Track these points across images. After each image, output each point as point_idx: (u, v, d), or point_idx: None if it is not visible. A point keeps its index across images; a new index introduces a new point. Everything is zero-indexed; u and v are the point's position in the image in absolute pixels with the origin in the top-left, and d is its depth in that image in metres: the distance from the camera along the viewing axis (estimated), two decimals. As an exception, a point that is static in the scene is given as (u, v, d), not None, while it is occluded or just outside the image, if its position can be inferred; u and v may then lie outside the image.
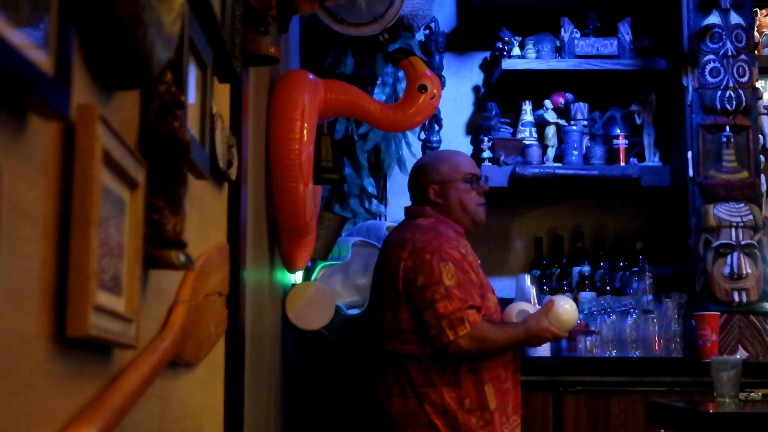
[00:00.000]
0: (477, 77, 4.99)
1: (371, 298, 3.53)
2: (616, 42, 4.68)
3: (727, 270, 4.14)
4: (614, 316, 4.23)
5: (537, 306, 3.67)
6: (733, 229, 4.18)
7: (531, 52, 4.71)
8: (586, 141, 4.73)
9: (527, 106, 4.77)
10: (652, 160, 4.68)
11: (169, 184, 1.24)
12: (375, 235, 4.17)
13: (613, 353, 4.18)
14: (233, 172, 2.00)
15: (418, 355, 3.24)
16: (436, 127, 4.75)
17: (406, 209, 3.54)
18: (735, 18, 4.33)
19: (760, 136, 4.47)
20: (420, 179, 3.49)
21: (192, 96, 1.54)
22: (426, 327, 3.19)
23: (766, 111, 4.69)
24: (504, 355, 3.28)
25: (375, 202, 4.69)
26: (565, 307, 3.32)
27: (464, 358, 3.19)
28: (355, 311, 4.01)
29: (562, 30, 4.71)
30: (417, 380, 3.24)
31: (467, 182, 3.42)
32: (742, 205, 4.22)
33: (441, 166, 3.47)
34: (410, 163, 4.70)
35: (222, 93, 2.01)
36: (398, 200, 4.71)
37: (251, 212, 2.42)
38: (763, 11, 4.80)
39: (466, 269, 3.23)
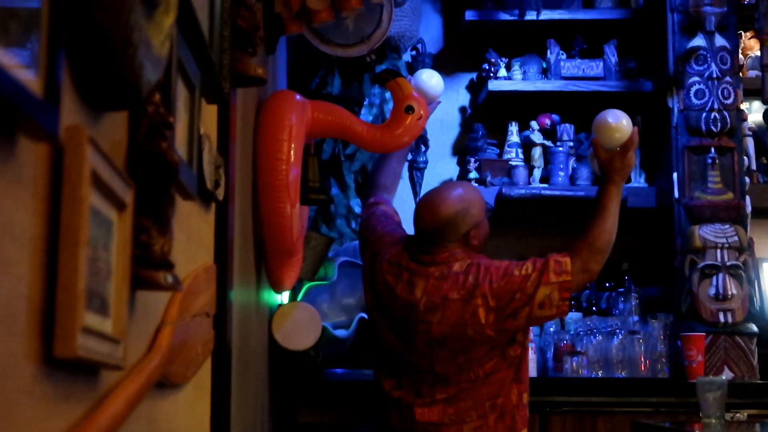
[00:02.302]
0: (464, 98, 5.00)
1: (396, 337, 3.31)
2: (602, 64, 4.71)
3: (712, 291, 4.15)
4: (600, 337, 4.23)
5: None
6: (718, 250, 4.20)
7: (517, 73, 4.73)
8: (572, 162, 4.74)
9: (513, 127, 4.79)
10: (638, 181, 4.70)
11: (157, 205, 1.24)
12: None
13: (600, 374, 4.18)
14: (221, 193, 2.00)
15: (514, 357, 3.20)
16: (423, 148, 4.76)
17: (431, 256, 3.23)
18: (720, 40, 4.36)
19: (745, 157, 4.50)
20: (458, 228, 3.22)
21: (180, 117, 1.54)
22: (542, 306, 3.09)
23: (750, 133, 4.72)
24: None
25: (361, 222, 4.69)
26: (610, 123, 3.18)
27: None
28: (342, 332, 4.00)
29: (549, 52, 4.74)
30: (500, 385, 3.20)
31: (487, 217, 3.32)
32: (728, 226, 4.24)
33: (472, 209, 3.24)
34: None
35: (210, 113, 2.01)
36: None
37: (238, 232, 2.42)
38: (748, 34, 4.83)
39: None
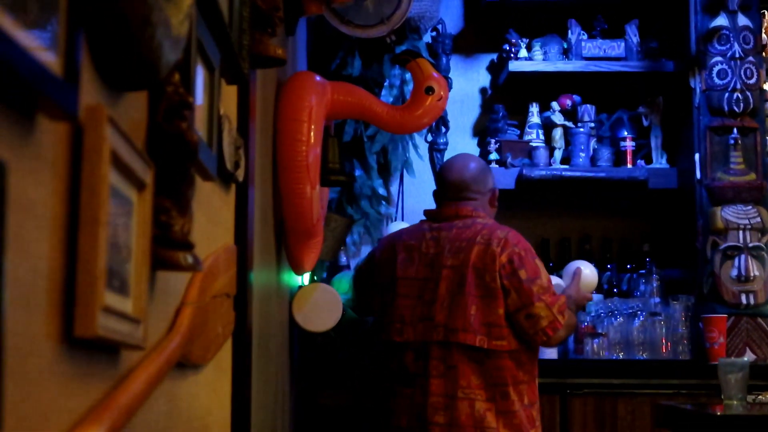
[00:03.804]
0: (484, 79, 4.99)
1: (418, 292, 3.38)
2: (623, 44, 4.68)
3: (734, 272, 4.13)
4: (621, 319, 4.22)
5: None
6: (740, 232, 4.18)
7: (538, 53, 4.71)
8: (593, 143, 4.73)
9: (534, 108, 4.77)
10: (659, 162, 4.68)
11: (177, 186, 1.24)
12: None
13: (621, 355, 4.17)
14: (240, 174, 2.01)
15: (514, 350, 3.24)
16: (443, 129, 4.75)
17: (455, 208, 3.43)
18: (742, 20, 4.32)
19: (768, 138, 4.46)
20: (485, 181, 3.51)
21: (200, 97, 1.54)
22: (531, 320, 3.21)
23: (773, 113, 4.69)
24: None
25: (384, 203, 4.70)
26: (586, 272, 3.55)
27: (555, 345, 3.53)
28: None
29: (570, 32, 4.71)
30: (512, 376, 3.24)
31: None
32: (750, 207, 4.21)
33: (492, 177, 3.56)
34: (417, 165, 4.72)
35: (229, 94, 2.01)
36: (412, 201, 4.74)
37: (258, 214, 2.42)
38: (771, 13, 4.79)
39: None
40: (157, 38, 1.06)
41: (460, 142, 4.86)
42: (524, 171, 4.53)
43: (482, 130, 4.89)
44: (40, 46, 0.81)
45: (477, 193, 3.46)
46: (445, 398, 3.23)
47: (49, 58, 0.84)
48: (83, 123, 0.96)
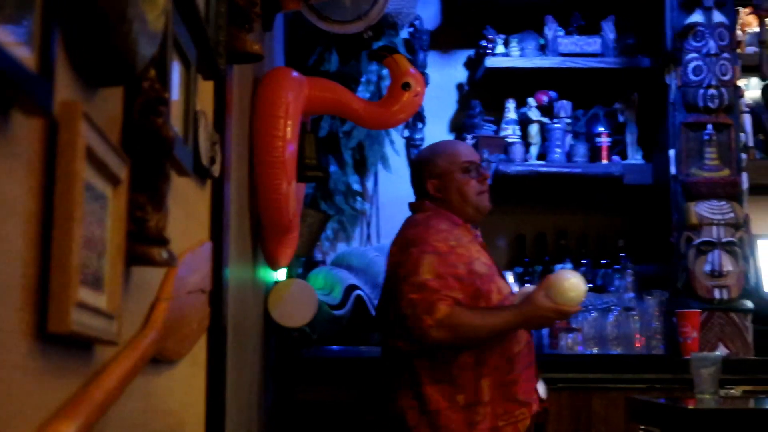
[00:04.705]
0: (461, 75, 5.00)
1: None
2: (599, 40, 4.70)
3: (708, 267, 4.16)
4: (596, 314, 4.24)
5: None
6: (714, 227, 4.20)
7: (515, 50, 4.72)
8: (569, 139, 4.74)
9: (511, 104, 4.78)
10: (635, 158, 4.70)
11: (153, 181, 1.24)
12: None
13: (595, 350, 4.19)
14: (216, 169, 2.00)
15: (410, 351, 3.18)
16: (420, 125, 4.76)
17: (409, 205, 3.45)
18: (718, 16, 4.34)
19: (742, 134, 4.49)
20: (419, 175, 3.41)
21: (176, 93, 1.54)
22: (404, 319, 3.08)
23: (748, 109, 4.72)
24: (506, 345, 3.16)
25: (359, 199, 4.70)
26: (571, 279, 3.07)
27: (443, 347, 3.10)
28: (338, 312, 4.02)
29: (546, 28, 4.73)
30: (408, 379, 3.19)
31: (465, 171, 3.34)
32: (724, 202, 4.24)
33: (438, 159, 3.38)
34: (394, 160, 4.72)
35: (206, 90, 2.01)
36: (388, 197, 4.75)
37: (234, 209, 2.42)
38: (746, 10, 4.82)
39: (452, 262, 3.13)
40: (133, 34, 1.06)
41: (437, 137, 4.85)
42: (500, 167, 4.54)
43: (459, 126, 4.90)
44: (14, 42, 0.81)
45: (417, 186, 3.44)
46: (382, 396, 3.30)
47: (24, 54, 0.84)
48: (58, 118, 0.96)
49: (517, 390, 3.17)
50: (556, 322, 3.21)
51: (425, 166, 3.40)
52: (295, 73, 3.07)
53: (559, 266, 4.55)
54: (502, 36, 4.75)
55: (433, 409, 3.13)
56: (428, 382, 3.15)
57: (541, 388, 3.25)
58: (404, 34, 4.74)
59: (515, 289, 3.75)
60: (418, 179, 3.43)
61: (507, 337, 3.16)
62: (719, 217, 4.21)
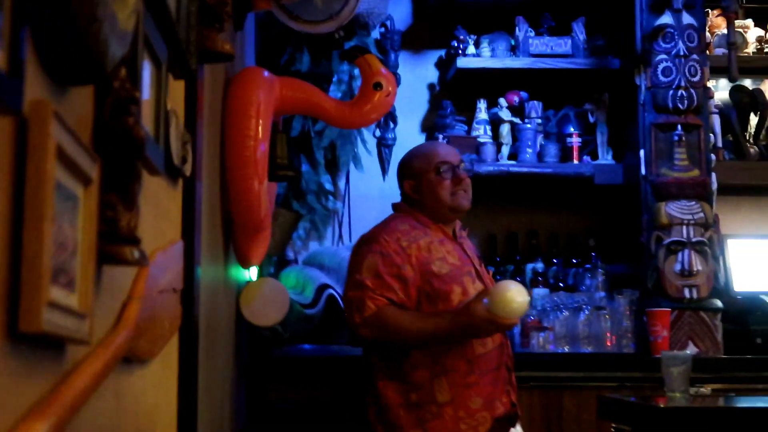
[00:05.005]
0: (432, 75, 5.01)
1: None
2: (570, 41, 4.73)
3: (678, 267, 4.19)
4: (567, 313, 4.26)
5: None
6: (684, 227, 4.23)
7: (486, 50, 4.74)
8: (540, 139, 4.76)
9: (482, 104, 4.80)
10: (605, 158, 4.73)
11: (124, 181, 1.24)
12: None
13: (566, 349, 4.22)
14: (188, 169, 2.00)
15: (368, 347, 3.26)
16: (392, 125, 4.77)
17: (392, 205, 3.50)
18: (687, 18, 4.38)
19: (711, 135, 4.52)
20: (399, 175, 3.45)
21: (146, 92, 1.54)
22: (345, 315, 3.23)
23: (717, 110, 4.75)
24: (468, 347, 3.14)
25: (331, 198, 4.70)
26: (512, 289, 2.90)
27: (370, 344, 3.20)
28: (310, 311, 4.02)
29: (517, 29, 4.75)
30: (368, 374, 3.24)
31: (439, 172, 3.33)
32: (694, 203, 4.27)
33: (415, 160, 3.40)
34: (366, 160, 4.73)
35: (177, 89, 2.01)
36: (360, 197, 4.76)
37: (206, 208, 2.42)
38: (715, 12, 4.86)
39: (397, 262, 3.15)
40: (103, 33, 1.06)
41: (408, 137, 4.87)
42: (472, 167, 4.55)
43: (430, 126, 4.91)
44: (-16, 41, 0.81)
45: (399, 188, 3.46)
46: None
47: (-6, 53, 0.84)
48: (28, 118, 0.96)
49: (478, 393, 3.15)
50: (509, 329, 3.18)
51: (404, 167, 3.44)
52: (266, 73, 3.07)
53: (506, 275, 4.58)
54: (473, 36, 4.77)
55: (384, 404, 3.17)
56: (382, 378, 3.19)
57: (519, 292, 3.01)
58: (375, 34, 4.75)
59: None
60: (399, 180, 3.45)
61: (466, 339, 3.13)
62: (689, 217, 4.24)
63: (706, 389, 3.46)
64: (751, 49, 4.90)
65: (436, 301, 3.17)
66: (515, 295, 2.89)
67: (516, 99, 4.81)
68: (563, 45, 4.72)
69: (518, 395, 3.35)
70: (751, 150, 4.80)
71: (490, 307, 2.90)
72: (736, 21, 4.49)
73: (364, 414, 3.26)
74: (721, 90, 4.92)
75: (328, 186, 4.65)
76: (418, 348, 3.14)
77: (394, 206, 3.45)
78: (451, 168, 3.35)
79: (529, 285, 4.57)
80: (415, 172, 3.37)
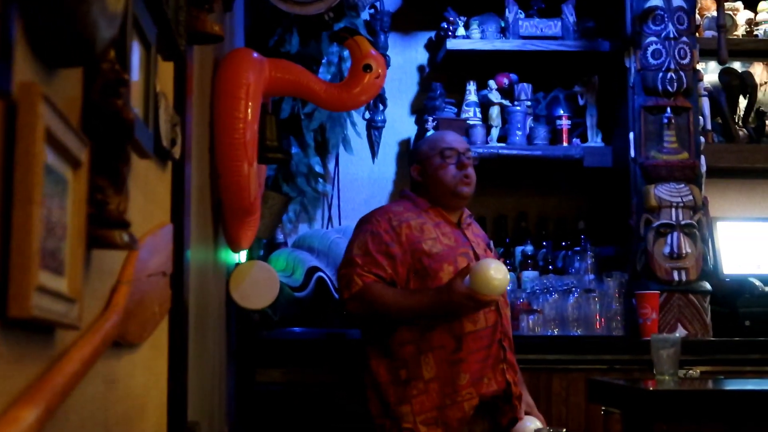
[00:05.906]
0: (422, 57, 4.99)
1: None
2: (560, 23, 4.71)
3: (667, 249, 4.19)
4: (556, 295, 4.27)
5: None
6: (673, 209, 4.24)
7: (476, 32, 4.72)
8: (529, 121, 4.76)
9: (471, 87, 4.79)
10: (595, 140, 4.73)
11: (113, 164, 1.23)
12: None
13: (555, 332, 4.22)
14: (177, 151, 1.99)
15: (362, 325, 3.35)
16: (381, 107, 4.75)
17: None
18: (677, 0, 4.37)
19: (701, 117, 4.52)
20: (409, 161, 3.57)
21: (136, 74, 1.52)
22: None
23: (706, 93, 4.75)
24: (456, 324, 3.18)
25: (321, 181, 4.69)
26: (492, 267, 2.99)
27: (358, 320, 3.32)
28: (300, 294, 4.01)
29: (507, 11, 4.73)
30: (369, 348, 3.30)
31: (443, 158, 3.41)
32: (683, 185, 4.27)
33: (423, 146, 3.52)
34: (355, 142, 4.71)
35: (166, 71, 1.99)
36: (349, 179, 4.76)
37: (195, 191, 2.40)
38: (705, -6, 4.85)
39: (387, 240, 3.26)
40: (92, 14, 1.05)
41: (398, 119, 4.86)
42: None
43: (420, 108, 4.89)
44: (-28, 23, 0.80)
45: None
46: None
47: (-18, 35, 0.83)
48: (17, 100, 0.95)
49: (466, 369, 3.19)
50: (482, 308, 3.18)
51: (413, 153, 3.57)
52: (255, 55, 3.05)
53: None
54: (463, 18, 4.75)
55: (378, 382, 3.25)
56: (375, 356, 3.27)
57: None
58: (365, 15, 4.73)
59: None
60: (408, 165, 3.57)
61: (450, 316, 3.18)
62: (678, 199, 4.25)
63: (695, 372, 3.47)
64: (740, 31, 4.90)
65: (425, 279, 3.24)
66: (495, 272, 2.99)
67: (506, 81, 4.80)
68: (553, 27, 4.71)
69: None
70: (740, 132, 4.81)
71: (470, 285, 3.00)
72: (725, 3, 4.48)
73: (360, 394, 3.29)
74: (710, 72, 4.91)
75: (318, 168, 4.64)
76: (404, 324, 3.22)
77: (401, 193, 3.56)
78: (456, 154, 3.44)
79: (519, 267, 4.57)
80: (421, 158, 3.47)
